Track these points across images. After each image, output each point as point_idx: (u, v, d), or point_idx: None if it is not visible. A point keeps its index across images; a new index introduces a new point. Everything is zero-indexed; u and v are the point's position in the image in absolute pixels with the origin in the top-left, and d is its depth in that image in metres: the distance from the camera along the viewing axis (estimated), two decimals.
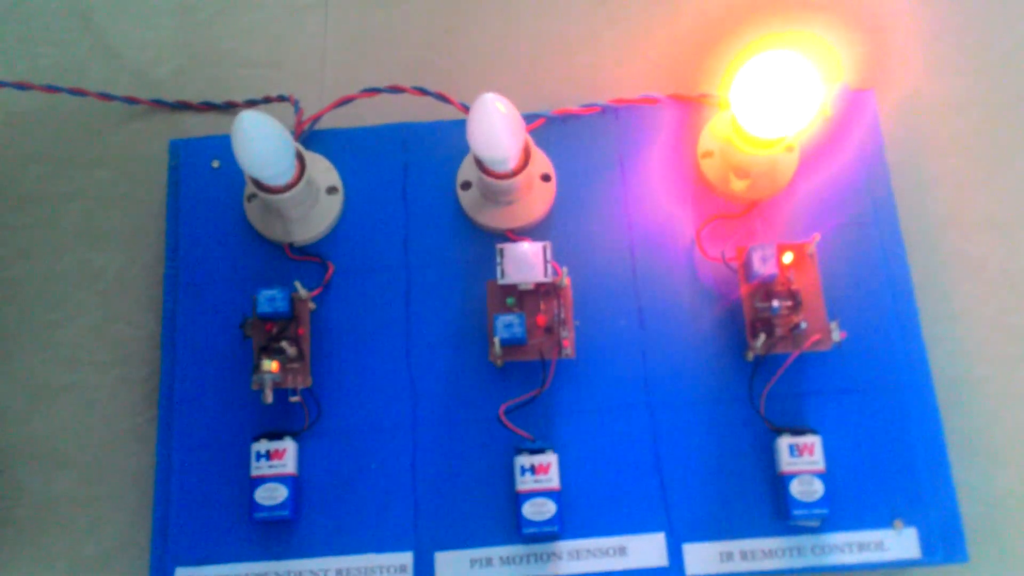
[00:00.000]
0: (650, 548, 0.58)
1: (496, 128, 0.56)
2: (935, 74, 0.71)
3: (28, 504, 0.65)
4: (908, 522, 0.58)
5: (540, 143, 0.66)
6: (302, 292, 0.61)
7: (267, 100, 0.70)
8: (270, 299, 0.60)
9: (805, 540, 0.58)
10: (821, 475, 0.57)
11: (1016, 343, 0.65)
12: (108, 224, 0.70)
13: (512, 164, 0.60)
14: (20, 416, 0.67)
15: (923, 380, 0.61)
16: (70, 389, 0.67)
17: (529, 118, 0.66)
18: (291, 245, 0.65)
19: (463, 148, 0.64)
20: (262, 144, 0.56)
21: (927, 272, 0.66)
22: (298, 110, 0.68)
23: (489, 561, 0.58)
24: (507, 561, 0.58)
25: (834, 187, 0.65)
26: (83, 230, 0.70)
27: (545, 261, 0.60)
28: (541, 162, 0.66)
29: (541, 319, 0.61)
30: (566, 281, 0.61)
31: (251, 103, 0.71)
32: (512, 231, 0.64)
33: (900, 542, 0.57)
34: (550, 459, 0.58)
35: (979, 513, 0.61)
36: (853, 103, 0.66)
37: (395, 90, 0.68)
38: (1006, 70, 0.71)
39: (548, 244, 0.60)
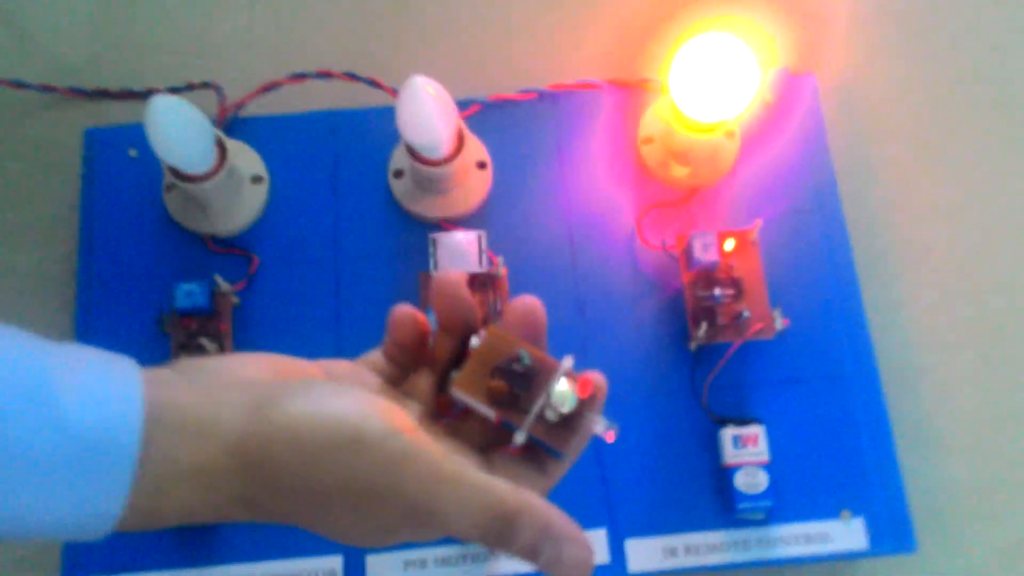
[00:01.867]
0: (592, 544, 0.55)
1: (426, 112, 0.54)
2: (876, 58, 0.70)
3: None
4: (855, 512, 0.56)
5: (476, 130, 0.63)
6: (223, 286, 0.58)
7: (190, 87, 0.67)
8: (188, 293, 0.57)
9: (751, 533, 0.56)
10: (765, 466, 0.56)
11: (960, 330, 0.64)
12: (21, 219, 0.66)
13: (444, 150, 0.58)
14: None
15: (868, 368, 0.59)
16: None
17: (465, 104, 0.64)
18: (213, 237, 0.61)
19: (395, 135, 0.61)
20: (177, 130, 0.53)
21: (870, 259, 0.65)
22: (221, 96, 0.65)
23: (424, 563, 0.55)
24: (443, 562, 0.55)
25: (776, 173, 0.63)
26: None
27: (480, 251, 0.58)
28: (476, 149, 0.63)
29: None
30: (502, 271, 0.59)
31: (173, 90, 0.67)
32: (446, 220, 0.62)
33: (847, 533, 0.56)
34: None
35: (926, 502, 0.59)
36: (793, 88, 0.65)
37: (324, 75, 0.65)
38: (948, 54, 0.71)
39: (483, 233, 0.58)
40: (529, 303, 0.37)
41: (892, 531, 0.56)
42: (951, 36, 0.71)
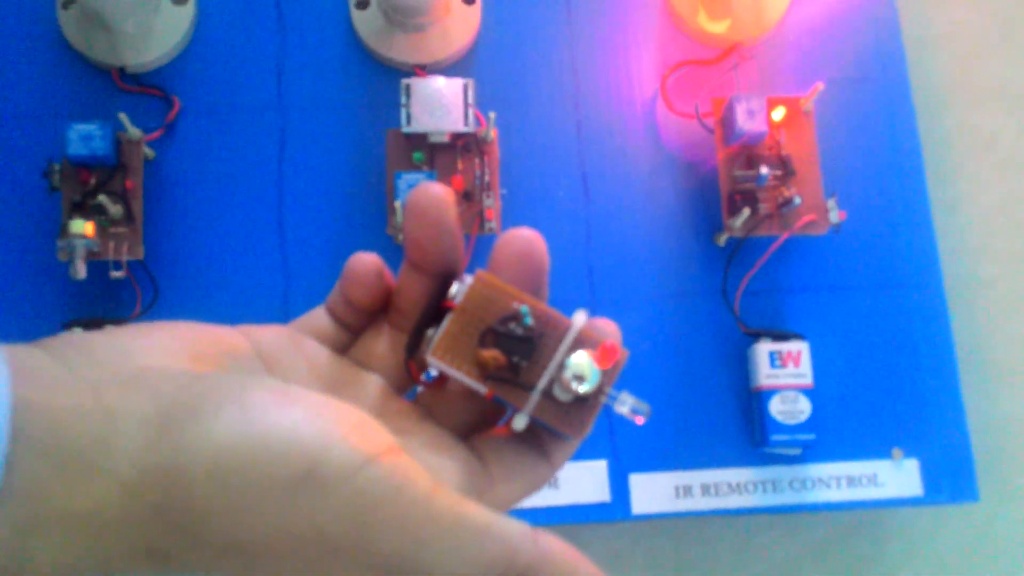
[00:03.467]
0: (588, 478, 0.45)
1: None
2: None
3: None
4: (909, 452, 0.46)
5: None
6: (132, 131, 0.45)
7: None
8: (86, 137, 0.44)
9: (783, 471, 0.46)
10: (807, 391, 0.45)
11: None
12: None
13: None
14: None
15: (932, 277, 0.49)
16: None
17: None
18: (122, 71, 0.48)
19: None
20: None
21: (930, 146, 0.53)
22: None
23: None
24: None
25: (832, 32, 0.51)
26: None
27: (465, 104, 0.45)
28: None
29: (458, 181, 0.46)
30: (492, 133, 0.47)
31: None
32: (423, 66, 0.49)
33: (899, 476, 0.46)
34: None
35: (985, 441, 0.49)
36: None
37: None
38: None
39: (470, 82, 0.46)
40: (526, 239, 0.25)
41: (951, 476, 0.46)
42: None
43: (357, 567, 0.20)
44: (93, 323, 0.44)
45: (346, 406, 0.21)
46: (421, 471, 0.21)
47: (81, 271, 0.43)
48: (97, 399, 0.20)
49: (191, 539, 0.20)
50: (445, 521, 0.20)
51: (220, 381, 0.21)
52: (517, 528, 0.21)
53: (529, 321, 0.24)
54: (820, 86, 0.46)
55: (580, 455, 0.45)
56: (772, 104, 0.47)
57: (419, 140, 0.46)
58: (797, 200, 0.45)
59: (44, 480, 0.19)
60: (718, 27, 0.50)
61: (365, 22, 0.49)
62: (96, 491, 0.19)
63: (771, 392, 0.45)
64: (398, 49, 0.49)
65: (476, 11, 0.50)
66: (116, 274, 0.44)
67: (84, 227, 0.43)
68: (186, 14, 0.49)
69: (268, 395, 0.21)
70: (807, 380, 0.45)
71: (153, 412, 0.20)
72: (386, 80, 0.49)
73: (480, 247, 0.46)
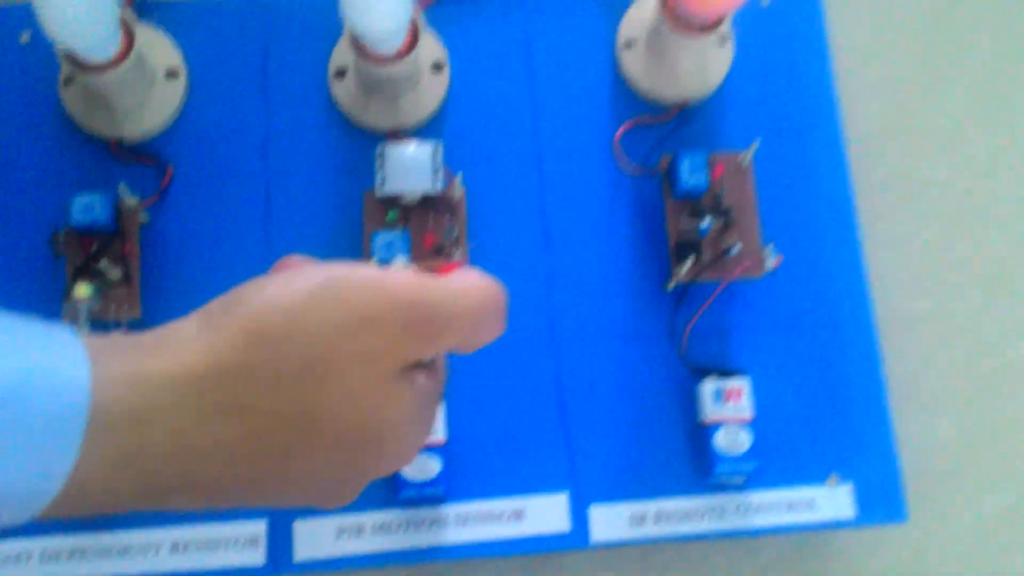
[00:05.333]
0: (551, 511, 0.49)
1: None
2: None
3: None
4: (843, 478, 0.51)
5: (432, 24, 0.54)
6: (129, 199, 0.49)
7: None
8: (87, 207, 0.48)
9: (728, 499, 0.50)
10: (749, 424, 0.49)
11: (959, 272, 0.58)
12: None
13: (397, 42, 0.49)
14: None
15: (864, 315, 0.53)
16: None
17: None
18: (119, 142, 0.52)
19: (338, 26, 0.52)
20: (71, 3, 0.44)
21: (865, 191, 0.57)
22: None
23: (360, 530, 0.48)
24: (381, 529, 0.49)
25: (772, 89, 0.56)
26: None
27: (434, 167, 0.50)
28: (432, 48, 0.54)
29: (429, 238, 0.51)
30: (460, 192, 0.51)
31: None
32: (396, 131, 0.53)
33: (834, 500, 0.50)
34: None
35: (916, 466, 0.54)
36: None
37: None
38: None
39: (439, 146, 0.50)
40: None
41: (882, 499, 0.50)
42: None
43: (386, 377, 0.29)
44: None
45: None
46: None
47: (84, 328, 0.47)
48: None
49: (273, 372, 0.27)
50: (449, 314, 0.30)
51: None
52: (473, 279, 0.32)
53: None
54: (756, 143, 0.51)
55: (543, 488, 0.50)
56: (713, 160, 0.51)
57: (393, 201, 0.51)
58: (736, 248, 0.50)
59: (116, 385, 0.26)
60: (666, 88, 0.55)
61: (343, 91, 0.54)
62: (167, 361, 0.27)
63: (716, 426, 0.49)
64: (373, 115, 0.53)
65: (444, 78, 0.54)
66: (116, 333, 0.48)
67: (86, 291, 0.47)
68: (178, 88, 0.53)
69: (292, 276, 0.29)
70: (748, 414, 0.49)
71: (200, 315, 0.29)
72: (363, 144, 0.53)
73: None
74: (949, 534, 0.54)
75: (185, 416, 0.26)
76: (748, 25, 0.56)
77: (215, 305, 0.29)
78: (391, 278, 0.29)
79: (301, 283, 0.28)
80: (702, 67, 0.55)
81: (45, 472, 0.25)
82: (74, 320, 0.47)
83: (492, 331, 0.32)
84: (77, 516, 0.28)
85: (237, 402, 0.27)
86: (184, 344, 0.27)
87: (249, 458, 0.28)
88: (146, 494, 0.27)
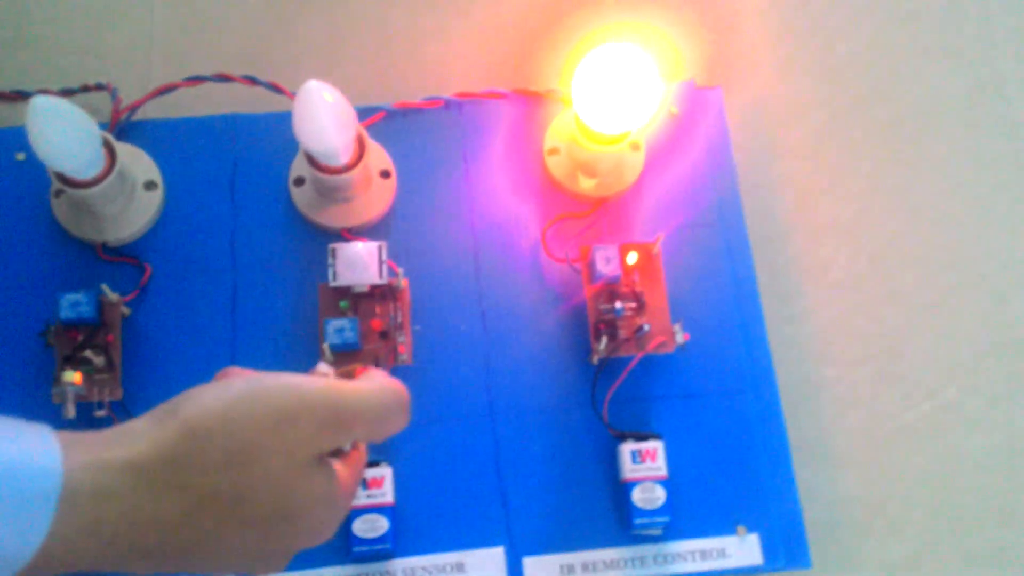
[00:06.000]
0: (489, 563, 0.55)
1: (322, 118, 0.53)
2: (782, 75, 0.71)
3: None
4: (751, 528, 0.56)
5: (380, 138, 0.62)
6: (111, 296, 0.56)
7: (84, 88, 0.65)
8: (74, 304, 0.55)
9: (648, 549, 0.56)
10: (663, 481, 0.55)
11: (857, 346, 0.65)
12: None
13: (344, 158, 0.56)
14: None
15: (767, 383, 0.60)
16: None
17: (369, 111, 0.63)
18: (104, 245, 0.59)
19: (296, 142, 0.60)
20: (59, 132, 0.51)
21: (771, 274, 0.65)
22: (115, 99, 0.63)
23: None
24: None
25: (681, 186, 0.63)
26: None
27: (380, 261, 0.57)
28: (379, 157, 0.62)
29: (376, 323, 0.57)
30: (403, 283, 0.58)
31: (66, 92, 0.65)
32: (349, 230, 0.61)
33: (743, 549, 0.56)
34: (384, 472, 0.55)
35: (820, 517, 0.60)
36: (700, 101, 0.65)
37: (222, 78, 0.63)
38: (850, 73, 0.72)
39: (383, 244, 0.57)
40: None
41: (787, 547, 0.56)
42: (853, 54, 0.72)
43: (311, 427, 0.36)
44: None
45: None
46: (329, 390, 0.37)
47: (71, 411, 0.53)
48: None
49: (202, 458, 0.33)
50: (349, 406, 0.37)
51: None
52: (379, 379, 0.40)
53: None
54: (661, 236, 0.58)
55: (481, 543, 0.55)
56: (626, 250, 0.58)
57: (344, 291, 0.58)
58: (646, 327, 0.57)
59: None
60: (588, 186, 0.62)
61: (301, 196, 0.61)
62: (125, 452, 0.33)
63: (633, 484, 0.55)
64: (328, 217, 0.61)
65: (391, 184, 0.62)
66: (99, 413, 0.55)
67: (73, 376, 0.53)
68: (156, 197, 0.60)
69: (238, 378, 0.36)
70: (662, 472, 0.56)
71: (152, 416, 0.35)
72: (319, 242, 0.60)
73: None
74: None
75: (136, 493, 0.33)
76: (658, 131, 0.64)
77: (163, 407, 0.35)
78: (307, 383, 0.36)
79: (232, 389, 0.35)
80: (618, 169, 0.63)
81: (23, 541, 0.31)
82: (63, 401, 0.53)
83: (396, 424, 0.40)
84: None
85: (177, 482, 0.33)
86: (137, 437, 0.34)
87: (188, 528, 0.34)
88: (103, 558, 0.33)
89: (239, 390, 0.35)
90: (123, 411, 0.56)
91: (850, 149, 0.70)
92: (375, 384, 0.39)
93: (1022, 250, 0.69)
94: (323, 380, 0.37)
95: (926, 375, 0.65)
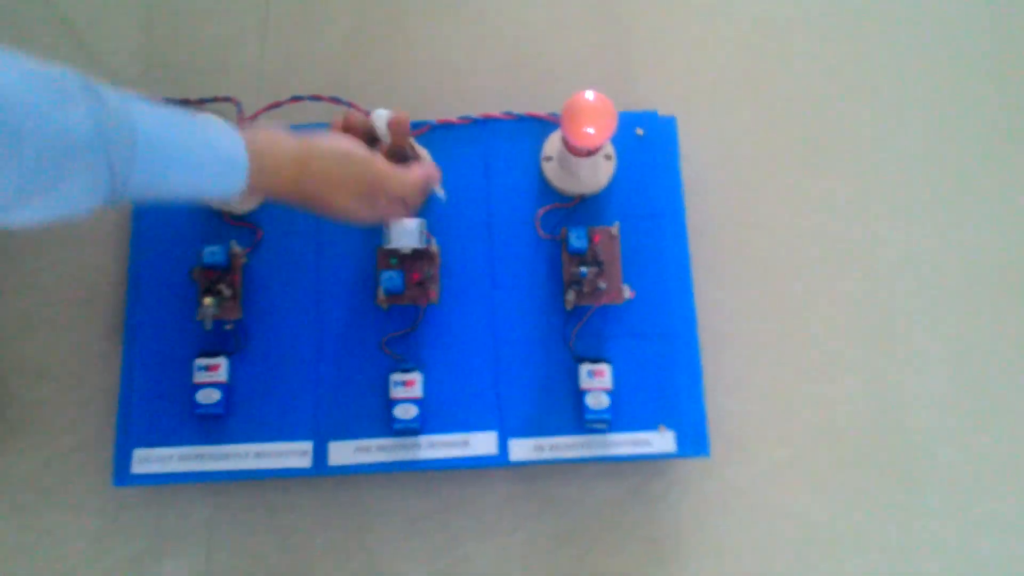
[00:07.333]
0: (486, 441, 0.80)
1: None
2: (728, 105, 0.95)
3: (17, 407, 0.85)
4: (669, 427, 0.81)
5: (428, 144, 0.87)
6: (236, 249, 0.82)
7: (215, 99, 0.91)
8: (212, 253, 0.81)
9: (596, 438, 0.81)
10: (608, 392, 0.80)
11: (764, 308, 0.89)
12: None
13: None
14: (10, 340, 0.87)
15: (689, 328, 0.84)
16: (51, 320, 0.87)
17: (418, 124, 0.88)
18: (230, 214, 0.85)
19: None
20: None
21: (705, 254, 0.89)
22: (240, 109, 0.88)
23: (368, 449, 0.80)
24: (382, 449, 0.80)
25: (640, 187, 0.88)
26: None
27: (420, 232, 0.82)
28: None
29: (415, 276, 0.82)
30: (436, 249, 0.83)
31: (201, 101, 0.91)
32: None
33: (662, 441, 0.81)
34: (416, 376, 0.80)
35: (727, 427, 0.84)
36: (660, 125, 0.89)
37: (315, 98, 0.89)
38: (779, 104, 0.95)
39: (423, 220, 0.82)
40: (398, 119, 0.78)
41: (693, 441, 0.81)
42: (782, 92, 0.96)
43: (366, 184, 0.72)
44: (213, 353, 0.80)
45: (362, 144, 0.73)
46: (381, 158, 0.70)
47: (208, 325, 0.79)
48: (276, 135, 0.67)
49: (310, 175, 0.69)
50: (391, 172, 0.73)
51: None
52: (418, 170, 0.76)
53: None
54: (617, 224, 0.83)
55: (482, 427, 0.80)
56: (592, 231, 0.83)
57: (395, 252, 0.83)
58: (602, 285, 0.81)
59: (264, 160, 0.66)
60: (570, 186, 0.87)
61: None
62: (279, 160, 0.68)
63: (587, 392, 0.80)
64: None
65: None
66: (228, 327, 0.81)
67: (210, 302, 0.79)
68: None
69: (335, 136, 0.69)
70: (608, 386, 0.80)
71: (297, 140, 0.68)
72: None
73: (427, 313, 0.82)
74: (753, 471, 0.84)
75: (283, 169, 0.66)
76: (628, 146, 0.88)
77: (305, 136, 0.70)
78: (376, 162, 0.73)
79: (343, 143, 0.71)
80: (594, 173, 0.87)
81: (237, 185, 0.64)
82: (203, 318, 0.79)
83: (412, 199, 0.77)
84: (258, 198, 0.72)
85: (301, 168, 0.67)
86: (287, 147, 0.68)
87: (312, 186, 0.68)
88: (275, 195, 0.68)
89: (343, 140, 0.72)
90: (242, 327, 0.82)
91: (771, 163, 0.94)
92: (407, 177, 0.75)
93: (892, 243, 0.92)
94: (384, 164, 0.73)
95: (816, 332, 0.89)
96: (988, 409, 0.88)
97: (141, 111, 0.56)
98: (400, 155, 0.73)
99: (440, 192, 0.80)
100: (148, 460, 0.79)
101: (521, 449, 0.80)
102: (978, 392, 0.89)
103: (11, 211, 0.50)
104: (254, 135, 0.65)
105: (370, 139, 0.78)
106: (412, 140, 0.81)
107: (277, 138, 0.67)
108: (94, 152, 0.52)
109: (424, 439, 0.80)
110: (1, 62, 0.49)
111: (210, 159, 0.61)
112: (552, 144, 0.88)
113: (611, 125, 0.79)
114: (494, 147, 0.89)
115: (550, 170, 0.87)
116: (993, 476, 0.87)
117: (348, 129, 0.77)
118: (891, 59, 0.98)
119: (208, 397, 0.79)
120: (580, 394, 0.81)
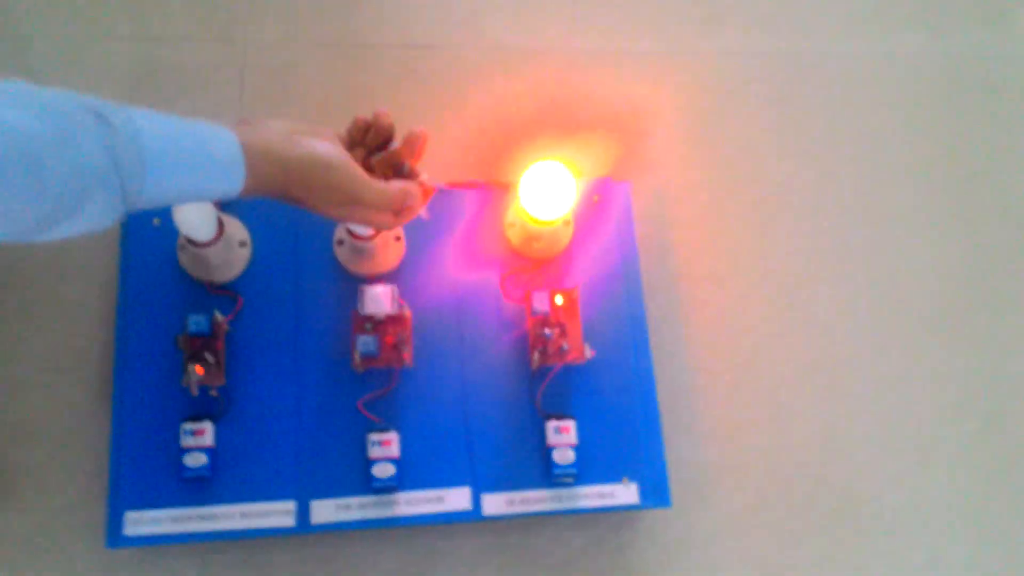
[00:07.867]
0: (460, 497, 0.85)
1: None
2: (677, 168, 1.01)
3: (9, 469, 0.89)
4: (632, 479, 0.86)
5: None
6: (219, 317, 0.86)
7: None
8: (197, 322, 0.85)
9: (563, 491, 0.86)
10: (574, 447, 0.85)
11: (721, 361, 0.95)
12: (71, 258, 0.94)
13: (370, 230, 0.87)
14: (2, 405, 0.90)
15: (648, 383, 0.90)
16: (42, 386, 0.91)
17: None
18: (211, 283, 0.90)
19: None
20: (194, 213, 0.82)
21: (662, 311, 0.95)
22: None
23: (349, 507, 0.84)
24: (362, 506, 0.84)
25: (597, 250, 0.93)
26: (52, 263, 0.94)
27: (392, 299, 0.87)
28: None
29: (389, 339, 0.87)
30: (407, 313, 0.88)
31: None
32: (371, 276, 0.91)
33: (626, 492, 0.86)
34: (392, 436, 0.85)
35: (687, 476, 0.90)
36: (614, 191, 0.96)
37: None
38: (726, 166, 1.02)
39: (395, 287, 0.87)
40: (417, 133, 0.78)
41: (655, 493, 0.86)
42: (729, 154, 1.02)
43: (343, 193, 0.71)
44: (199, 418, 0.85)
45: (342, 148, 0.72)
46: (360, 169, 0.72)
47: (195, 391, 0.84)
48: (267, 135, 0.68)
49: (293, 181, 0.69)
50: (368, 183, 0.72)
51: (304, 134, 0.71)
52: (397, 184, 0.74)
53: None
54: (578, 286, 0.89)
55: (455, 483, 0.85)
56: (554, 294, 0.88)
57: (369, 317, 0.88)
58: (565, 346, 0.87)
59: (257, 164, 0.67)
60: (534, 250, 0.92)
61: (341, 253, 0.91)
62: (269, 165, 0.68)
63: (554, 448, 0.85)
64: (359, 268, 0.91)
65: (402, 246, 0.92)
66: (212, 393, 0.85)
67: (196, 369, 0.84)
68: (247, 252, 0.91)
69: (317, 138, 0.71)
70: (574, 441, 0.86)
71: (285, 137, 0.69)
72: (352, 285, 0.90)
73: (402, 375, 0.87)
74: (713, 518, 0.90)
75: (275, 174, 0.67)
76: (585, 211, 0.94)
77: (293, 139, 0.69)
78: (355, 173, 0.72)
79: (322, 146, 0.70)
80: (554, 238, 0.93)
81: (235, 185, 0.65)
82: (189, 384, 0.83)
83: (382, 217, 0.75)
84: (252, 197, 0.68)
85: (283, 170, 0.68)
86: (278, 152, 0.68)
87: (296, 192, 0.69)
88: (269, 193, 0.68)
89: (326, 150, 0.70)
90: (225, 392, 0.86)
91: (724, 220, 1.00)
92: (385, 190, 0.73)
93: (832, 298, 0.98)
94: (362, 176, 0.72)
95: (768, 382, 0.95)
96: (931, 453, 0.95)
97: (144, 127, 0.59)
98: (396, 166, 0.77)
99: (425, 214, 0.81)
100: (140, 522, 0.83)
101: (493, 503, 0.86)
102: (920, 437, 0.95)
103: (35, 235, 0.55)
104: (248, 138, 0.67)
105: (385, 142, 0.80)
106: (415, 165, 0.80)
107: (269, 144, 0.68)
108: (109, 176, 0.56)
109: (402, 495, 0.85)
110: (18, 99, 0.52)
111: (211, 165, 0.64)
112: (515, 211, 0.94)
113: (568, 199, 0.85)
114: (459, 213, 0.94)
115: (514, 236, 0.93)
116: (939, 519, 0.93)
117: (373, 124, 0.78)
118: (831, 121, 1.05)
119: (196, 460, 0.84)
120: (548, 450, 0.86)
